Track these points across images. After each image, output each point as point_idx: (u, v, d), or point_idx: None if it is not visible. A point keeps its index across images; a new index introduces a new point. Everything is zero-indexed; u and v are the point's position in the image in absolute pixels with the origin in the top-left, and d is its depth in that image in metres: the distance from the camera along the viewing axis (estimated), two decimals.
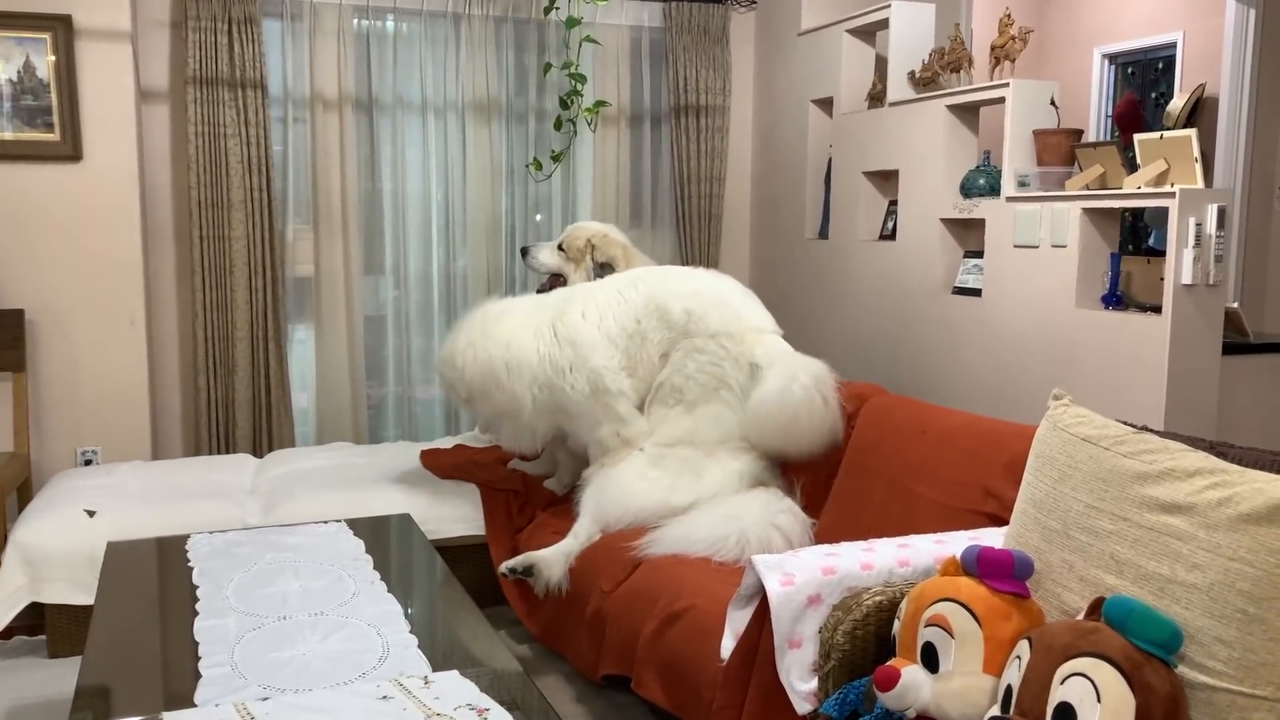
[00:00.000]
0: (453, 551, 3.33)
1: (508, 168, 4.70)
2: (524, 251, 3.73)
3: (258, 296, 4.25)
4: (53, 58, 3.85)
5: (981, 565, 1.67)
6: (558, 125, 4.21)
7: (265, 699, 1.79)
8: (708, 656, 2.26)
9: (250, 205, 4.19)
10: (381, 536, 2.79)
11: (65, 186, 3.90)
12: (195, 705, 1.81)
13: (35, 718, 2.82)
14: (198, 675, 1.93)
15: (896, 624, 1.75)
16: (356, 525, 2.88)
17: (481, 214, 4.67)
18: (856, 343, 4.33)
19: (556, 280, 3.70)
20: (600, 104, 4.18)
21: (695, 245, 4.91)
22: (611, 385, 3.12)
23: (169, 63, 4.19)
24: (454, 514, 3.40)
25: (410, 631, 2.13)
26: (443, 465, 3.62)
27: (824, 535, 2.89)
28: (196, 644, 2.07)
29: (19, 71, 3.83)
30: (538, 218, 4.83)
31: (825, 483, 3.01)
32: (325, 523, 2.91)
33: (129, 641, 2.13)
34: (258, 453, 4.28)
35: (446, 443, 4.05)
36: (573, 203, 4.86)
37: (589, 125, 4.28)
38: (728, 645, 2.15)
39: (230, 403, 4.25)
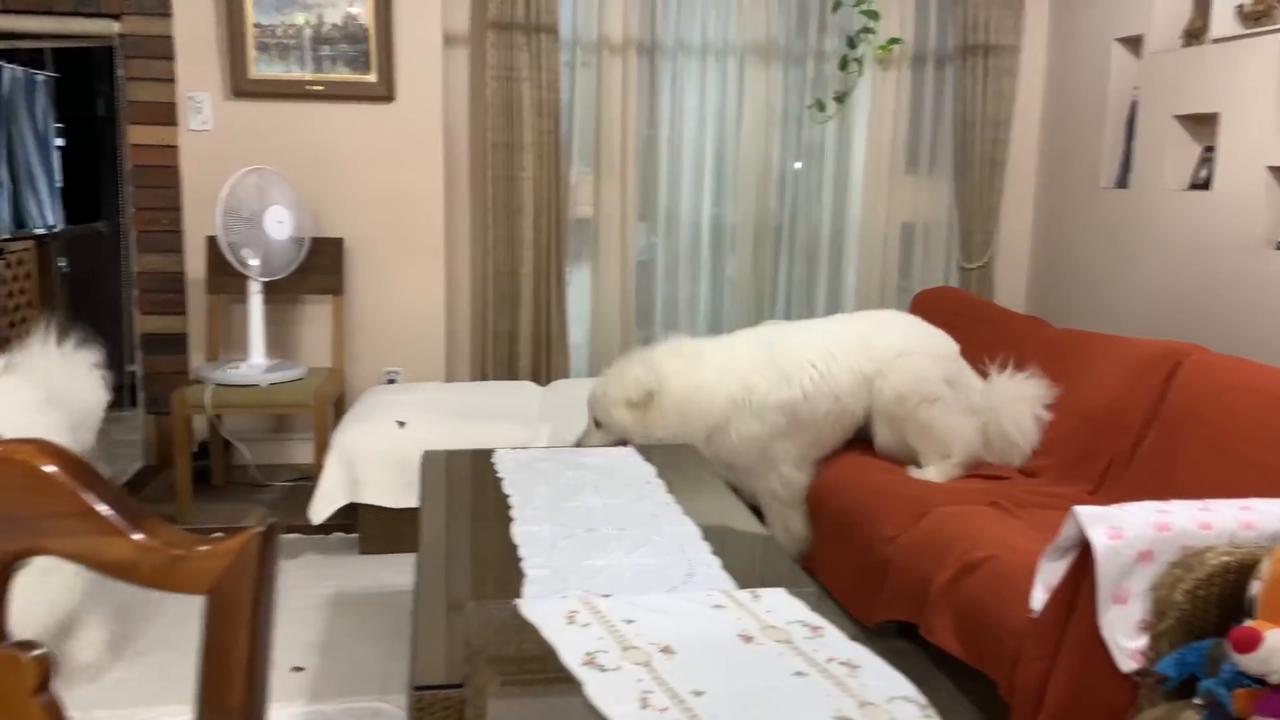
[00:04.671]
0: None
1: (782, 112, 4.65)
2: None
3: (542, 236, 4.43)
4: (370, 6, 4.14)
5: None
6: (843, 65, 4.10)
7: (607, 595, 1.88)
8: (1010, 608, 2.18)
9: (541, 148, 4.36)
10: (670, 462, 2.86)
11: (379, 125, 4.21)
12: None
13: (354, 602, 3.13)
14: (521, 575, 2.06)
15: (1255, 584, 1.63)
16: (644, 451, 2.98)
17: (753, 160, 4.65)
18: (1160, 299, 4.02)
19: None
20: (894, 41, 4.04)
21: (975, 193, 4.70)
22: None
23: (469, 7, 4.41)
24: None
25: (712, 552, 2.18)
26: None
27: (1129, 495, 2.71)
28: (515, 546, 2.21)
29: (343, 18, 4.15)
30: (796, 165, 4.75)
31: (1133, 442, 2.83)
32: (616, 446, 3.02)
33: (455, 539, 2.30)
34: (537, 381, 4.49)
35: None
36: (847, 147, 4.76)
37: (879, 64, 4.15)
38: (1039, 597, 2.07)
39: (514, 335, 4.47)
